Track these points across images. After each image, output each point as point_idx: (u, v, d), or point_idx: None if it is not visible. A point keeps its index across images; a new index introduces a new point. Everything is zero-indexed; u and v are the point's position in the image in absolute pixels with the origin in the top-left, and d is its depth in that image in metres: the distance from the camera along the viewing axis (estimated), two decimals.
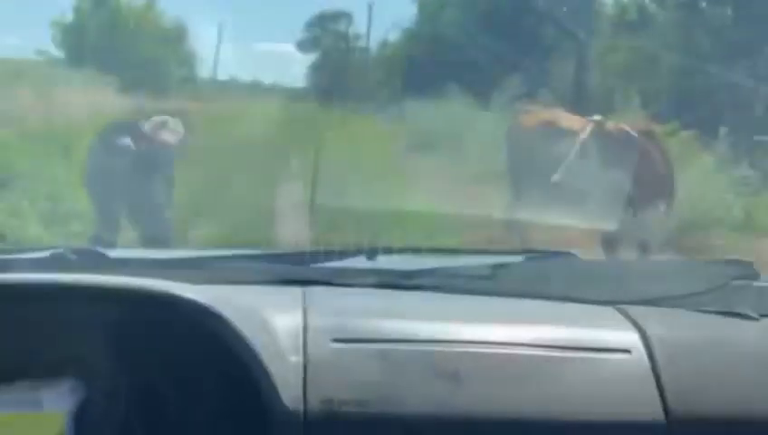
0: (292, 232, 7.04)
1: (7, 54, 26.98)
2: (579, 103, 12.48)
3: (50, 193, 7.88)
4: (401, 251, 2.04)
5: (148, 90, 17.80)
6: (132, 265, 1.78)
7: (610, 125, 6.67)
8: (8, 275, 1.47)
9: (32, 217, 6.85)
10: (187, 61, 24.12)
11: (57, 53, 23.39)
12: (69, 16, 22.77)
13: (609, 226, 5.55)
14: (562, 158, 6.41)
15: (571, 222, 5.73)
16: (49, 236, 6.63)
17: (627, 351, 1.51)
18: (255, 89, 25.40)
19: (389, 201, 7.89)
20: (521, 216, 6.25)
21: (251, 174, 10.80)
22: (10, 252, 1.84)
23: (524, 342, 1.50)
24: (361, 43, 30.22)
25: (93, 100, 16.42)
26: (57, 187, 8.13)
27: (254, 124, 16.87)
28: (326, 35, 30.87)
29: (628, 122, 7.09)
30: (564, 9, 18.73)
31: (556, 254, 2.10)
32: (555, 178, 6.27)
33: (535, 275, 1.90)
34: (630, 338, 1.53)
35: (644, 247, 6.08)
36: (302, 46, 31.47)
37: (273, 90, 26.13)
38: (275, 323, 1.48)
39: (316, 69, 30.46)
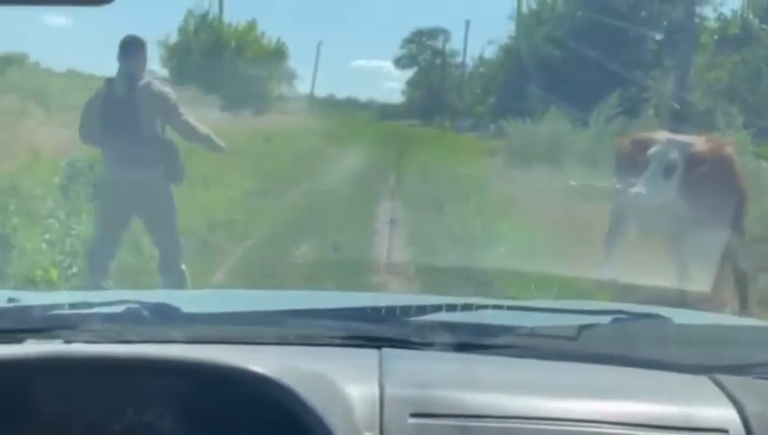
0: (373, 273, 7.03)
1: (114, 73, 27.92)
2: (679, 121, 12.22)
3: None
4: (481, 307, 1.94)
5: (249, 107, 18.24)
6: (203, 321, 1.78)
7: (713, 146, 6.56)
8: (80, 346, 1.48)
9: (144, 233, 7.04)
10: (287, 78, 24.52)
11: (162, 72, 24.06)
12: (174, 37, 23.43)
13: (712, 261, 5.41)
14: (666, 182, 6.29)
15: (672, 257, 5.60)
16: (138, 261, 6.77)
17: (724, 431, 1.39)
18: (352, 105, 25.65)
19: (476, 249, 7.75)
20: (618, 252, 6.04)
21: (341, 194, 10.85)
22: (85, 306, 1.82)
23: (611, 419, 1.40)
24: (458, 60, 30.25)
25: (197, 117, 16.90)
26: None
27: (348, 141, 16.89)
28: (423, 52, 30.99)
29: (727, 141, 7.00)
30: (665, 24, 18.39)
31: (646, 315, 1.99)
32: (637, 189, 6.25)
33: (623, 338, 1.81)
34: (727, 415, 1.41)
35: (743, 300, 5.85)
36: (399, 62, 31.70)
37: (369, 106, 26.33)
38: (350, 392, 1.41)
39: (412, 85, 30.62)
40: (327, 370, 1.45)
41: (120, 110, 5.57)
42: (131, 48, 5.77)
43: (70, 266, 6.27)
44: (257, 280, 6.74)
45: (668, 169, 6.42)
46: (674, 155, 6.43)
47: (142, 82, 5.69)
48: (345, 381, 1.42)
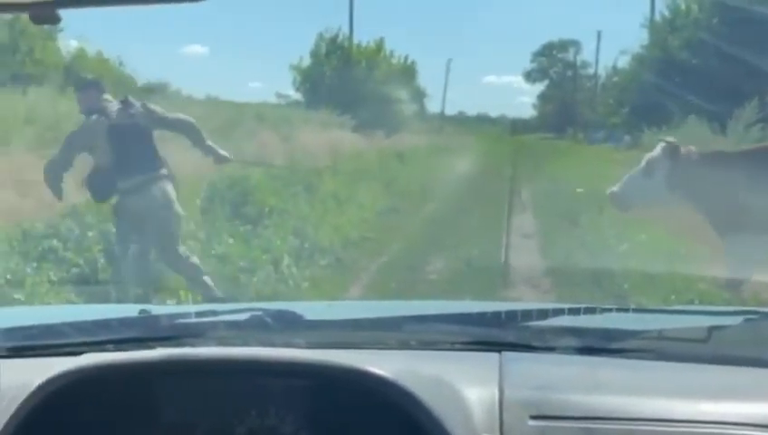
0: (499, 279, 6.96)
1: (251, 98, 28.86)
2: None
3: (297, 229, 8.27)
4: (605, 310, 1.89)
5: (380, 127, 18.49)
6: (325, 327, 1.80)
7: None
8: (205, 349, 1.52)
9: (282, 252, 7.25)
10: (417, 97, 24.69)
11: (296, 95, 24.68)
12: (306, 60, 24.00)
13: None
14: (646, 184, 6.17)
15: None
16: (298, 270, 6.98)
17: None
18: (483, 121, 25.57)
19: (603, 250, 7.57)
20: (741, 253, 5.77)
21: (473, 209, 10.81)
22: (211, 314, 1.87)
23: (743, 420, 1.35)
24: (590, 71, 29.78)
25: (330, 138, 17.27)
26: (303, 223, 8.57)
27: (480, 157, 16.78)
28: (554, 64, 30.68)
29: None
30: None
31: None
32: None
33: (755, 339, 1.74)
34: None
35: None
36: (530, 77, 31.46)
37: (500, 122, 26.19)
38: (469, 395, 1.40)
39: (544, 99, 30.34)
40: (446, 373, 1.45)
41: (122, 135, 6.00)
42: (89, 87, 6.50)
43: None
44: (391, 296, 6.81)
45: (648, 172, 6.30)
46: (657, 158, 6.29)
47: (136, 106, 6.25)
48: (464, 385, 1.42)
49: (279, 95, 25.39)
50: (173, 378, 1.48)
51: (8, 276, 5.88)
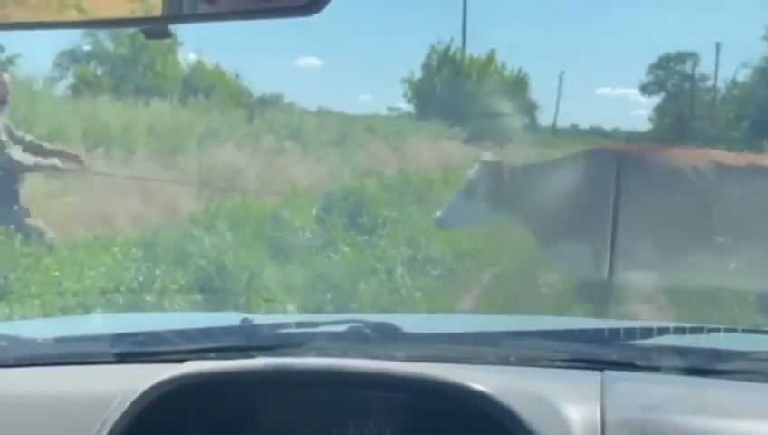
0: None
1: (360, 111, 29.12)
2: None
3: (410, 239, 8.28)
4: (712, 330, 1.81)
5: (490, 139, 18.38)
6: (424, 340, 1.79)
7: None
8: (306, 359, 1.53)
9: (396, 262, 7.28)
10: (528, 109, 24.46)
11: (407, 107, 24.77)
12: (417, 73, 24.06)
13: None
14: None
15: None
16: (411, 280, 6.99)
17: None
18: (596, 134, 25.11)
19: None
20: None
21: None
22: (311, 325, 1.90)
23: None
24: (708, 83, 28.93)
25: (441, 150, 17.26)
26: (416, 233, 8.55)
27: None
28: (670, 77, 29.90)
29: None
30: None
31: None
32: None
33: None
34: None
35: None
36: (645, 89, 30.75)
37: (613, 135, 25.69)
38: (570, 414, 1.37)
39: (660, 111, 29.60)
40: (547, 390, 1.42)
41: None
42: None
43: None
44: (503, 307, 6.76)
45: (468, 192, 6.29)
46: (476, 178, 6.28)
47: None
48: (565, 403, 1.39)
49: (390, 108, 25.55)
50: (273, 387, 1.50)
51: (140, 279, 6.06)
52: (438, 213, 6.58)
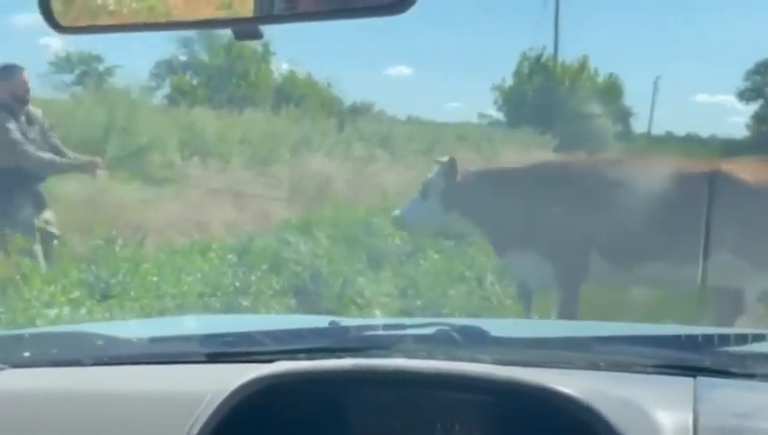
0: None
1: (450, 119, 29.13)
2: None
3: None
4: None
5: (582, 147, 18.13)
6: (511, 344, 1.78)
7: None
8: (393, 360, 1.52)
9: (486, 270, 7.22)
10: (622, 116, 24.08)
11: (497, 115, 24.68)
12: (508, 80, 23.97)
13: None
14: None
15: None
16: (501, 288, 6.93)
17: None
18: (691, 141, 24.55)
19: None
20: None
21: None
22: (398, 328, 1.89)
23: None
24: None
25: (532, 157, 17.11)
26: None
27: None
28: None
29: None
30: None
31: None
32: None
33: None
34: None
35: None
36: (743, 96, 29.94)
37: (709, 142, 25.07)
38: (662, 420, 1.34)
39: (758, 119, 28.77)
40: (637, 396, 1.40)
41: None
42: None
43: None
44: (592, 315, 6.64)
45: (425, 193, 6.21)
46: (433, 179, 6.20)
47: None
48: (657, 409, 1.36)
49: (480, 115, 25.49)
50: (361, 388, 1.50)
51: (237, 284, 6.16)
52: (396, 211, 6.58)
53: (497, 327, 1.91)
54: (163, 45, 21.48)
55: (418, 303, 6.28)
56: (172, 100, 19.06)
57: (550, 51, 23.92)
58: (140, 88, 16.45)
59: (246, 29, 1.34)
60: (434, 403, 1.46)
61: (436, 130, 19.17)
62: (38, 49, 27.14)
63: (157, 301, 5.72)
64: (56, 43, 24.93)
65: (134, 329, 2.14)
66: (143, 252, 6.96)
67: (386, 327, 1.89)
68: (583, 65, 23.37)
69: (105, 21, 1.39)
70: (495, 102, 24.37)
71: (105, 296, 5.70)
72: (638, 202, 5.66)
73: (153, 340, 1.89)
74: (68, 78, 21.22)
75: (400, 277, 6.94)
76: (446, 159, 6.35)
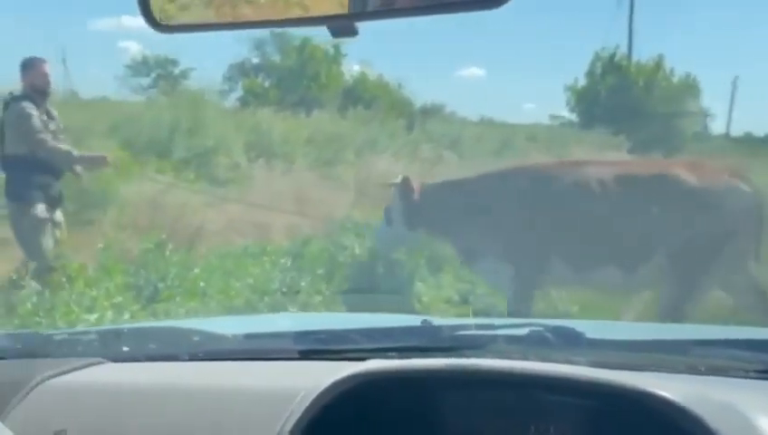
0: None
1: (524, 120, 28.90)
2: None
3: None
4: None
5: (658, 149, 17.81)
6: (607, 347, 1.75)
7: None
8: (486, 361, 1.50)
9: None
10: (698, 117, 23.59)
11: (570, 116, 24.41)
12: (581, 80, 23.70)
13: None
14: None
15: None
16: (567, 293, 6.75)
17: None
18: None
19: None
20: None
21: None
22: (491, 328, 1.86)
23: None
24: None
25: (604, 158, 16.84)
26: None
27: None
28: None
29: None
30: None
31: None
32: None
33: None
34: None
35: None
36: None
37: None
38: (763, 427, 1.31)
39: None
40: (738, 401, 1.36)
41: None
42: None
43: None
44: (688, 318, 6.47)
45: (389, 218, 6.26)
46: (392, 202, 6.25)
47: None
48: (759, 414, 1.32)
49: (552, 116, 25.25)
50: (453, 388, 1.49)
51: (284, 290, 6.16)
52: (370, 243, 6.69)
53: (592, 329, 1.87)
54: (236, 48, 21.82)
55: (480, 306, 6.23)
56: (244, 102, 19.32)
57: (623, 50, 23.60)
58: (213, 90, 16.69)
59: (341, 26, 1.34)
60: (528, 405, 1.45)
61: (508, 131, 19.05)
62: (118, 52, 27.80)
63: (203, 306, 5.68)
64: (134, 47, 25.52)
65: (229, 326, 2.17)
66: (194, 256, 6.97)
67: (478, 327, 1.87)
68: (659, 65, 22.95)
69: (202, 19, 1.41)
70: (568, 103, 24.14)
71: (150, 301, 5.71)
72: (595, 204, 5.68)
73: (248, 336, 1.91)
74: (144, 81, 21.66)
75: (461, 280, 6.90)
76: (399, 180, 6.36)
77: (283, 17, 1.38)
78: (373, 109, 17.26)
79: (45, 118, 6.00)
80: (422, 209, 6.16)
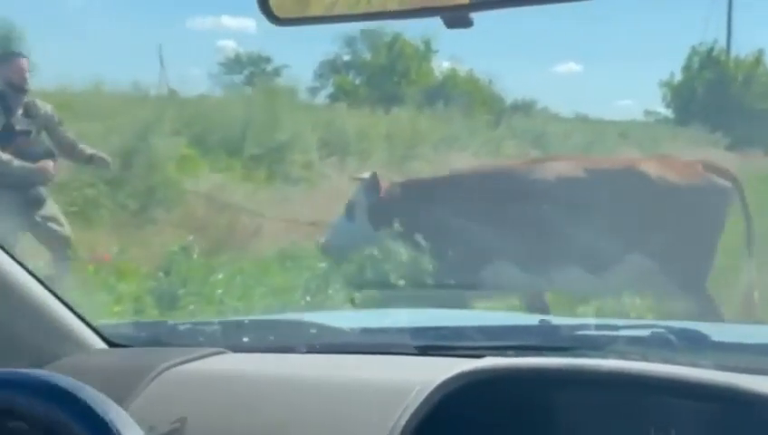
0: None
1: (620, 116, 28.35)
2: None
3: None
4: None
5: (758, 146, 17.28)
6: (733, 350, 1.70)
7: None
8: (604, 361, 1.47)
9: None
10: None
11: (665, 112, 23.87)
12: (677, 77, 23.15)
13: None
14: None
15: None
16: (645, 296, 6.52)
17: None
18: None
19: None
20: None
21: None
22: (611, 328, 1.81)
23: None
24: None
25: (701, 156, 16.33)
26: None
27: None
28: None
29: None
30: None
31: None
32: None
33: None
34: None
35: None
36: None
37: None
38: None
39: None
40: None
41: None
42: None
43: None
44: None
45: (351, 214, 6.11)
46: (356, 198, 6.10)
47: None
48: None
49: (647, 112, 24.73)
50: (571, 388, 1.48)
51: (308, 298, 5.90)
52: (323, 238, 6.41)
53: (717, 331, 1.82)
54: (327, 45, 21.98)
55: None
56: (335, 98, 19.46)
57: (722, 44, 22.97)
58: (304, 88, 16.79)
59: (457, 17, 1.34)
60: (649, 408, 1.42)
61: (598, 127, 18.69)
62: (216, 51, 28.35)
63: (218, 315, 5.45)
64: (231, 46, 25.96)
65: (346, 319, 2.20)
66: (218, 261, 6.74)
67: (598, 327, 1.84)
68: (758, 60, 22.25)
69: (318, 12, 1.43)
70: (663, 99, 23.61)
71: (169, 308, 5.59)
72: (563, 204, 5.56)
73: (364, 331, 1.94)
74: (237, 78, 21.98)
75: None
76: (367, 175, 6.22)
77: (397, 9, 1.38)
78: (457, 105, 17.09)
79: (21, 117, 5.68)
80: (387, 208, 5.97)
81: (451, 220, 5.71)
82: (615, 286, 5.55)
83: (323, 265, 6.31)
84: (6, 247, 1.61)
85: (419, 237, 5.84)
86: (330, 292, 5.98)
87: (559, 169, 5.86)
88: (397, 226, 5.93)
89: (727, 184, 5.65)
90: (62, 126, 6.01)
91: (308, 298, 5.86)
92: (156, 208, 8.69)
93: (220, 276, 6.07)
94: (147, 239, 7.65)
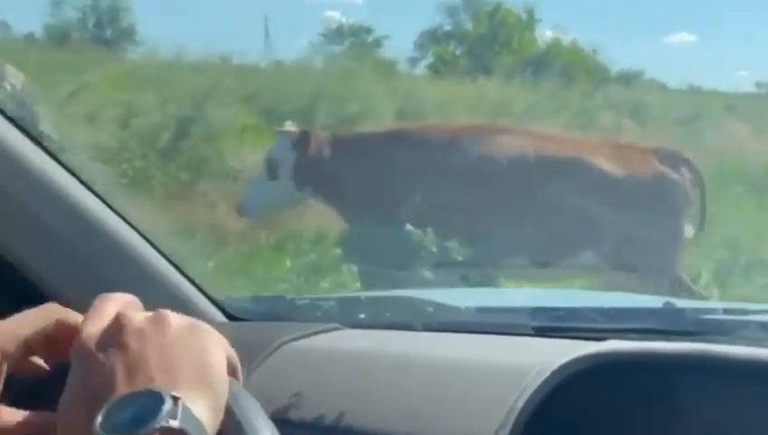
0: None
1: (735, 88, 27.31)
2: None
3: (730, 239, 7.06)
4: None
5: None
6: None
7: None
8: (733, 347, 1.42)
9: (701, 268, 6.24)
10: None
11: None
12: None
13: None
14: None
15: None
16: (720, 289, 5.94)
17: None
18: None
19: None
20: None
21: None
22: (741, 313, 1.75)
23: None
24: None
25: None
26: (741, 232, 7.41)
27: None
28: None
29: None
30: None
31: None
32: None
33: None
34: None
35: None
36: None
37: None
38: None
39: None
40: None
41: None
42: None
43: None
44: None
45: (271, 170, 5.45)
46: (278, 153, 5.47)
47: None
48: None
49: (759, 84, 23.82)
50: (697, 375, 1.43)
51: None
52: (241, 199, 5.85)
53: None
54: (429, 16, 21.91)
55: None
56: (434, 69, 19.39)
57: None
58: (404, 58, 16.71)
59: None
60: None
61: (702, 99, 18.03)
62: (322, 22, 28.58)
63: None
64: (336, 16, 26.08)
65: (463, 297, 2.19)
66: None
67: (727, 311, 1.77)
68: None
69: None
70: None
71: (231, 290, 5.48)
72: (502, 180, 5.27)
73: (480, 310, 1.91)
74: (337, 48, 22.11)
75: None
76: (293, 128, 5.62)
77: None
78: (554, 75, 16.68)
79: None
80: (315, 166, 5.41)
81: (382, 184, 5.35)
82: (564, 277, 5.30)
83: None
84: (130, 219, 1.63)
85: (346, 202, 5.44)
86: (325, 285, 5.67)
87: (511, 142, 5.46)
88: (321, 186, 5.46)
89: (679, 177, 5.31)
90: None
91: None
92: (207, 181, 8.56)
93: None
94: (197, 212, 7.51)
